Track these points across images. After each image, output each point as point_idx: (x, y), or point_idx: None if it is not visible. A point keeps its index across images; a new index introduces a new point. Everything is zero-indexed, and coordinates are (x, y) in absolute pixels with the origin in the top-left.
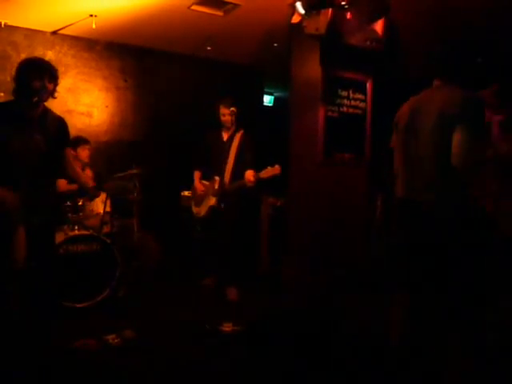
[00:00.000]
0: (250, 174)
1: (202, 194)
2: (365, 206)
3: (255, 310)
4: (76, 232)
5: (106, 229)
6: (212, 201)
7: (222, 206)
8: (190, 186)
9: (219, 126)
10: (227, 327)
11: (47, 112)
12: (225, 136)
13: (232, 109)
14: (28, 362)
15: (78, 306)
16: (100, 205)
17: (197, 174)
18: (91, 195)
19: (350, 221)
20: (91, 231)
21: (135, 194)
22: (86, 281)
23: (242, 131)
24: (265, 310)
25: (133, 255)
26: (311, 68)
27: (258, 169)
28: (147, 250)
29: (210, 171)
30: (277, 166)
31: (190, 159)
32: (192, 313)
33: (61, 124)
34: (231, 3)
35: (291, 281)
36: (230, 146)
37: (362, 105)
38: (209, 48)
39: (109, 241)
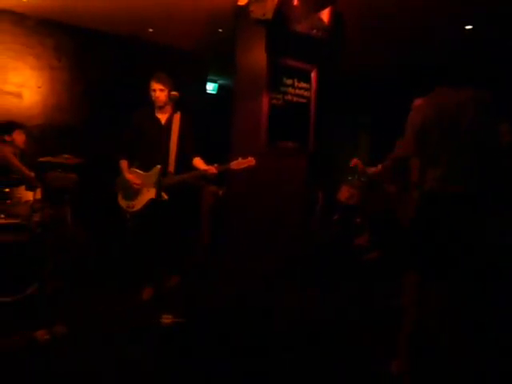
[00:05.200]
0: (201, 163)
1: (138, 186)
2: (305, 194)
3: (195, 301)
4: (2, 221)
5: (35, 217)
6: (152, 193)
7: (165, 197)
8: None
9: (151, 106)
10: (167, 319)
11: None
12: (162, 118)
13: (161, 86)
14: None
15: (3, 300)
16: (29, 192)
17: (124, 164)
18: (33, 186)
19: (290, 209)
20: (19, 220)
21: (71, 183)
22: (13, 273)
23: (179, 113)
24: (205, 300)
25: (64, 246)
26: (256, 55)
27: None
28: (77, 241)
29: (146, 159)
30: (251, 158)
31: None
32: (129, 306)
33: None
34: None
35: (232, 270)
36: (169, 131)
37: (306, 93)
38: (150, 30)
39: (39, 230)
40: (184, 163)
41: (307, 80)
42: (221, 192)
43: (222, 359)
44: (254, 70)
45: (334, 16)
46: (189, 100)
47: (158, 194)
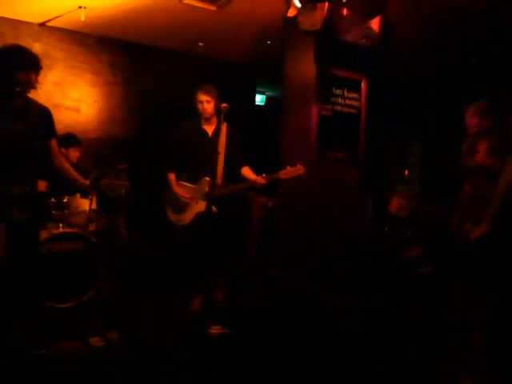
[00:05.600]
0: (250, 173)
1: (187, 199)
2: (357, 206)
3: (244, 312)
4: (60, 230)
5: (91, 227)
6: (201, 206)
7: (214, 209)
8: None
9: (197, 118)
10: (216, 330)
11: (30, 101)
12: (209, 130)
13: (208, 98)
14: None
15: (61, 306)
16: (85, 201)
17: (172, 177)
18: (87, 193)
19: (341, 220)
20: (76, 229)
21: (124, 192)
22: (71, 280)
23: (226, 124)
24: (254, 311)
25: (118, 255)
26: (305, 66)
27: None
28: (131, 250)
29: (193, 171)
30: (300, 166)
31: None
32: (180, 315)
33: (45, 114)
34: None
35: (280, 281)
36: (216, 142)
37: (356, 104)
38: (201, 44)
39: (95, 239)
40: (232, 174)
41: (357, 90)
42: (270, 203)
43: (264, 369)
44: (302, 80)
45: (384, 24)
46: (238, 111)
47: (209, 207)
